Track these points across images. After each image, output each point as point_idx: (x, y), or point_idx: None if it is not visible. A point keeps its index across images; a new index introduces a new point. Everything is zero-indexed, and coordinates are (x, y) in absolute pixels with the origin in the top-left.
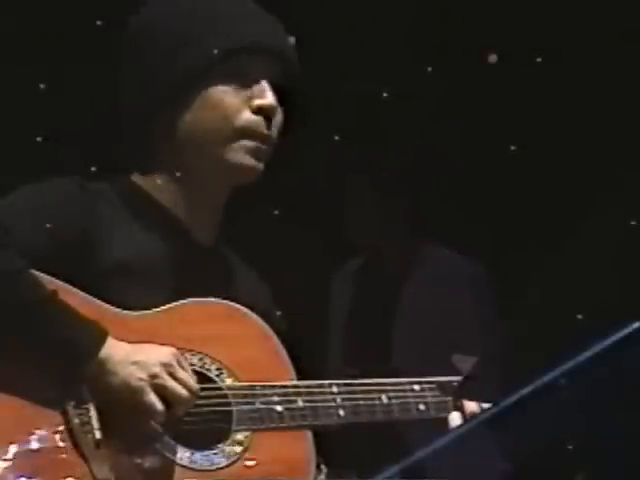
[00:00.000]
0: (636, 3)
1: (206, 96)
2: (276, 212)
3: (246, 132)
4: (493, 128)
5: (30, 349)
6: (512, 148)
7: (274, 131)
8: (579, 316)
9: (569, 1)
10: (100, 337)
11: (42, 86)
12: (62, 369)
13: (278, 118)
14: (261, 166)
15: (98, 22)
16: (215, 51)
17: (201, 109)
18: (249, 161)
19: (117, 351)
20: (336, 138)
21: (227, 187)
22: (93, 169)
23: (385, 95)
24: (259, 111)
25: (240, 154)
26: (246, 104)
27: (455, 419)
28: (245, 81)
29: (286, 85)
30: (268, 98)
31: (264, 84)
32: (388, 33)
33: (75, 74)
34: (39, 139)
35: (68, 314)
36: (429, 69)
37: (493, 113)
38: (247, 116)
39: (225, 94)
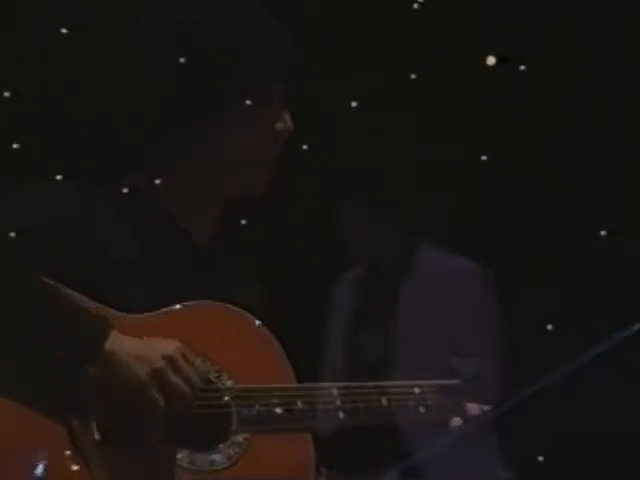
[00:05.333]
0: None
1: (222, 124)
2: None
3: (263, 163)
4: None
5: (30, 343)
6: (483, 158)
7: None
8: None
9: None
10: (103, 330)
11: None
12: (63, 364)
13: None
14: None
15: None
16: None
17: (217, 135)
18: (257, 188)
19: (121, 345)
20: (304, 147)
21: (228, 198)
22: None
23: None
24: (278, 136)
25: (249, 182)
26: (267, 133)
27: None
28: (266, 106)
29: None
30: (288, 122)
31: (284, 108)
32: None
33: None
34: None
35: (69, 308)
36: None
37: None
38: (266, 148)
39: (245, 123)
